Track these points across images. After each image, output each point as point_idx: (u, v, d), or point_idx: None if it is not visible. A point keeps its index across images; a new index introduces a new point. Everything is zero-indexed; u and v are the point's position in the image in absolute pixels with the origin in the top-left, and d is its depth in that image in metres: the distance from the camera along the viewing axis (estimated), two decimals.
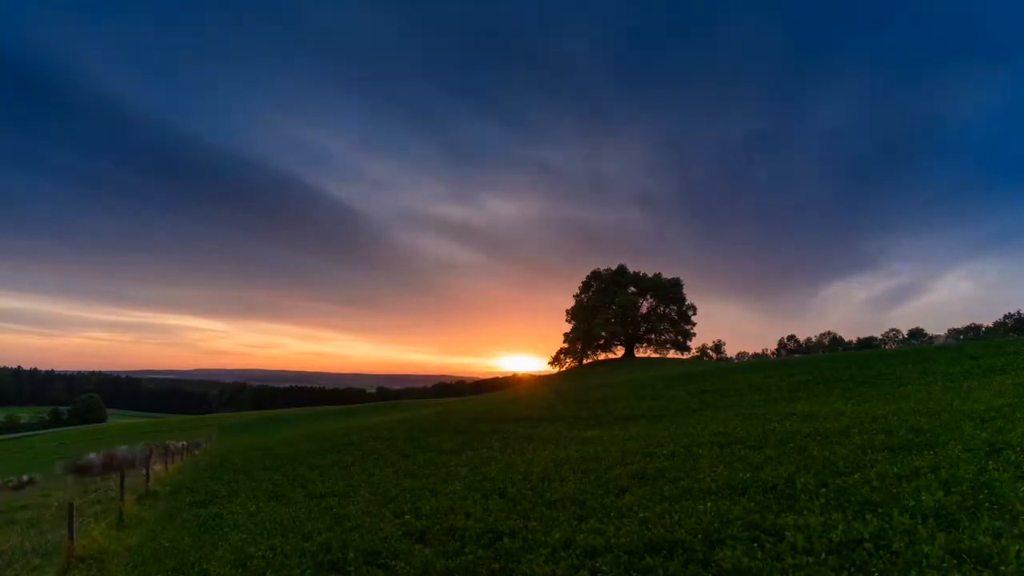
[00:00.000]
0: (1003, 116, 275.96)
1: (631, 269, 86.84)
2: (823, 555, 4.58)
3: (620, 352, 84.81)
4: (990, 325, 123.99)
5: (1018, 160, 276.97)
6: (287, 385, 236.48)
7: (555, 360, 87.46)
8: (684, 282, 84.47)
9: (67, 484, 18.69)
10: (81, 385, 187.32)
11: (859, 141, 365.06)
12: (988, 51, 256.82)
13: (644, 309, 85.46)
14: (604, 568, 5.09)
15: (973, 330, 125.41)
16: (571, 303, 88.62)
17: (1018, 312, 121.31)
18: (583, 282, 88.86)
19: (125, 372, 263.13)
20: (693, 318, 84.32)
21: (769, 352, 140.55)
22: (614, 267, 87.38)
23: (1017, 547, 4.08)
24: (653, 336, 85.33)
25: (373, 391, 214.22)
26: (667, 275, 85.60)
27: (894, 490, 5.90)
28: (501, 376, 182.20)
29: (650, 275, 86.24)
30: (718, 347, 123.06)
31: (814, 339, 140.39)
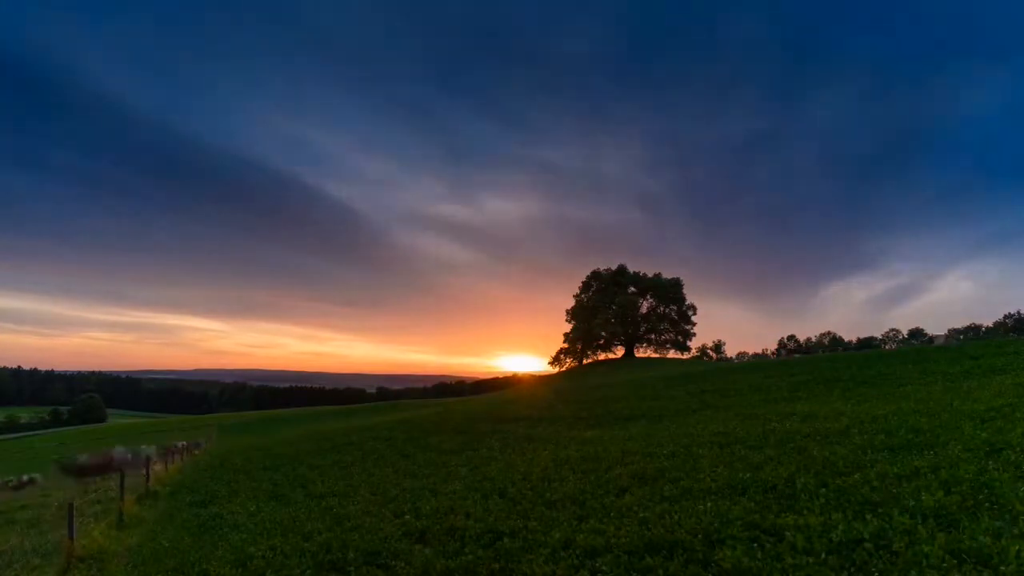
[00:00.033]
0: (1003, 116, 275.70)
1: (631, 269, 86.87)
2: (823, 555, 4.58)
3: (620, 352, 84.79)
4: (990, 325, 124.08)
5: (1018, 160, 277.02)
6: (287, 385, 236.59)
7: (555, 360, 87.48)
8: (684, 282, 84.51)
9: (67, 484, 18.70)
10: (81, 385, 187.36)
11: (859, 141, 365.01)
12: (988, 51, 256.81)
13: (644, 309, 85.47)
14: (604, 568, 5.09)
15: (973, 330, 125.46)
16: (571, 303, 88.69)
17: (1018, 312, 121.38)
18: (583, 282, 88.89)
19: (125, 372, 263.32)
20: (693, 318, 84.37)
21: (769, 352, 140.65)
22: (614, 267, 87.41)
23: (1017, 547, 4.09)
24: (653, 336, 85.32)
25: (373, 391, 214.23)
26: (667, 275, 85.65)
27: (894, 490, 5.90)
28: (501, 376, 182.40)
29: (650, 275, 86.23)
30: (718, 347, 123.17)
31: (814, 339, 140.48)
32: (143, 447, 26.43)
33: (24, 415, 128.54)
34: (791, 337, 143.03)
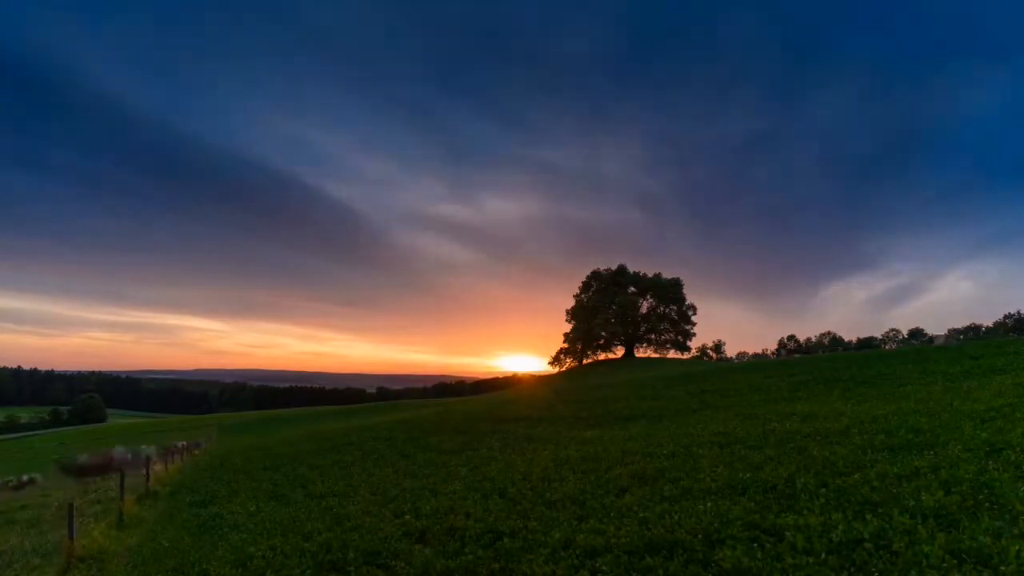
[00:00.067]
0: (1003, 116, 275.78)
1: (631, 269, 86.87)
2: (823, 555, 4.58)
3: (620, 352, 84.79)
4: (990, 325, 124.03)
5: (1018, 160, 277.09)
6: (287, 385, 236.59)
7: (555, 360, 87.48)
8: (684, 282, 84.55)
9: (67, 484, 18.70)
10: (81, 385, 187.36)
11: (859, 141, 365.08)
12: (988, 51, 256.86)
13: (644, 309, 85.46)
14: (604, 568, 5.09)
15: (973, 330, 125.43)
16: (571, 303, 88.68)
17: (1018, 312, 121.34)
18: (583, 282, 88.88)
19: (125, 372, 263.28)
20: (693, 318, 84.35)
21: (769, 352, 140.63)
22: (614, 267, 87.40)
23: (1017, 547, 4.09)
24: (653, 336, 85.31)
25: (373, 391, 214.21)
26: (667, 275, 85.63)
27: (894, 490, 5.90)
28: (501, 376, 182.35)
29: (650, 275, 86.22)
30: (718, 347, 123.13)
31: (814, 339, 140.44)
32: (143, 447, 26.44)
33: (24, 415, 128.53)
34: (791, 337, 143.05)
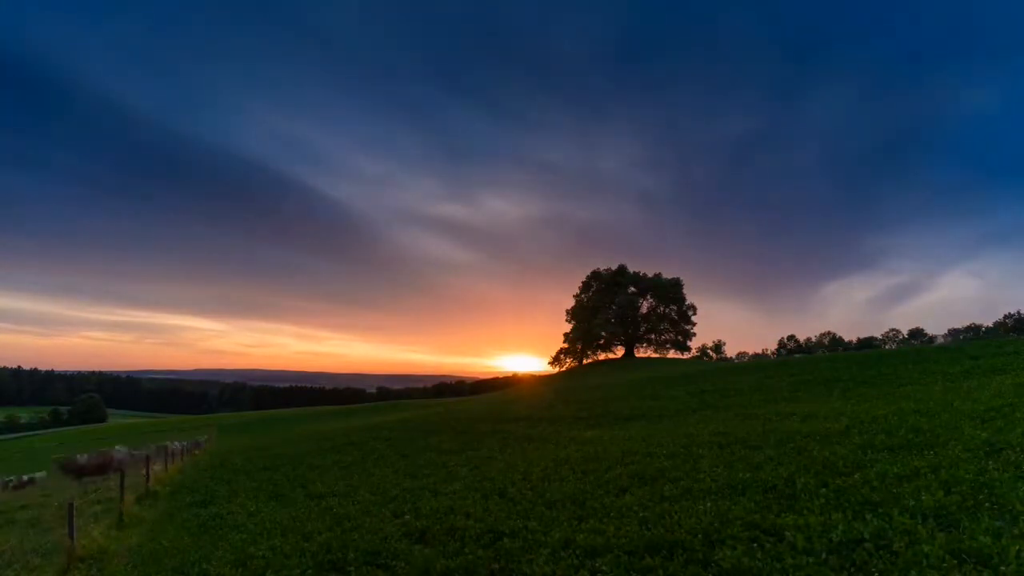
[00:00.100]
0: (1003, 115, 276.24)
1: (631, 269, 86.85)
2: (823, 555, 4.58)
3: (620, 352, 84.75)
4: (990, 325, 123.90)
5: (1018, 159, 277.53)
6: (287, 385, 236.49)
7: (555, 360, 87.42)
8: (684, 282, 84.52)
9: (67, 484, 18.69)
10: (81, 385, 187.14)
11: (859, 140, 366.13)
12: (988, 51, 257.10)
13: (644, 309, 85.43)
14: (604, 568, 5.09)
15: (973, 330, 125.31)
16: (571, 303, 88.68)
17: (1018, 312, 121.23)
18: (583, 282, 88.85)
19: (125, 372, 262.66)
20: (693, 318, 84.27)
21: (769, 352, 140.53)
22: (614, 267, 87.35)
23: (1017, 547, 4.09)
24: (653, 336, 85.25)
25: (373, 391, 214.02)
26: (667, 275, 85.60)
27: (894, 490, 5.90)
28: (501, 376, 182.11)
29: (650, 275, 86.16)
30: (718, 347, 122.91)
31: (814, 339, 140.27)
32: (143, 447, 26.42)
33: (24, 415, 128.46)
34: (791, 337, 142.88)
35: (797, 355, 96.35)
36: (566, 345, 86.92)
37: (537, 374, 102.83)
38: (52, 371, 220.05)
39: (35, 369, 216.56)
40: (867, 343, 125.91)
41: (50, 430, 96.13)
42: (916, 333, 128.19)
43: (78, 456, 20.87)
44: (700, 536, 5.45)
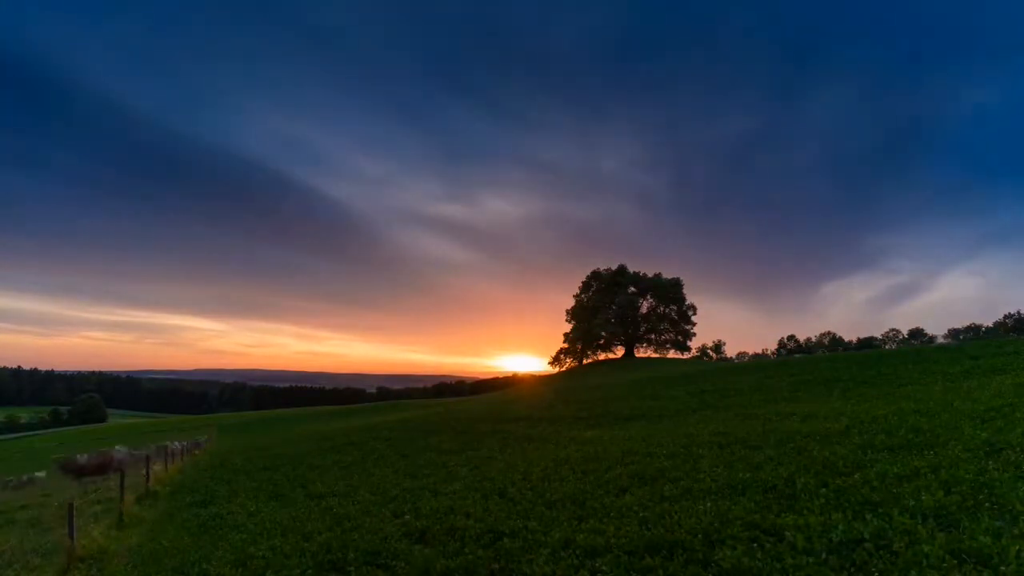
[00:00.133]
0: (1002, 115, 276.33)
1: (631, 269, 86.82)
2: (823, 555, 4.58)
3: (620, 352, 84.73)
4: (990, 325, 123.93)
5: (1018, 159, 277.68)
6: (287, 385, 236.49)
7: (555, 360, 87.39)
8: (684, 282, 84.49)
9: (67, 484, 18.69)
10: (81, 385, 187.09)
11: (859, 139, 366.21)
12: (988, 51, 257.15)
13: (644, 309, 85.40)
14: (604, 568, 5.09)
15: (973, 330, 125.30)
16: (571, 303, 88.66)
17: (1018, 312, 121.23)
18: (583, 282, 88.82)
19: (125, 372, 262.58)
20: (693, 318, 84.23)
21: (769, 352, 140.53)
22: (614, 267, 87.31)
23: (1017, 547, 4.09)
24: (653, 336, 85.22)
25: (373, 391, 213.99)
26: (667, 275, 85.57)
27: (894, 490, 5.90)
28: (501, 376, 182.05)
29: (650, 275, 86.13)
30: (718, 347, 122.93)
31: (814, 339, 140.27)
32: (143, 447, 26.42)
33: (24, 415, 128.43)
34: (791, 337, 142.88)
35: (797, 355, 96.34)
36: (566, 345, 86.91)
37: (537, 374, 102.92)
38: (52, 371, 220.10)
39: (35, 369, 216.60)
40: (867, 343, 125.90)
41: (50, 430, 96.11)
42: (916, 333, 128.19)
43: (78, 456, 20.87)
44: (700, 536, 5.45)
